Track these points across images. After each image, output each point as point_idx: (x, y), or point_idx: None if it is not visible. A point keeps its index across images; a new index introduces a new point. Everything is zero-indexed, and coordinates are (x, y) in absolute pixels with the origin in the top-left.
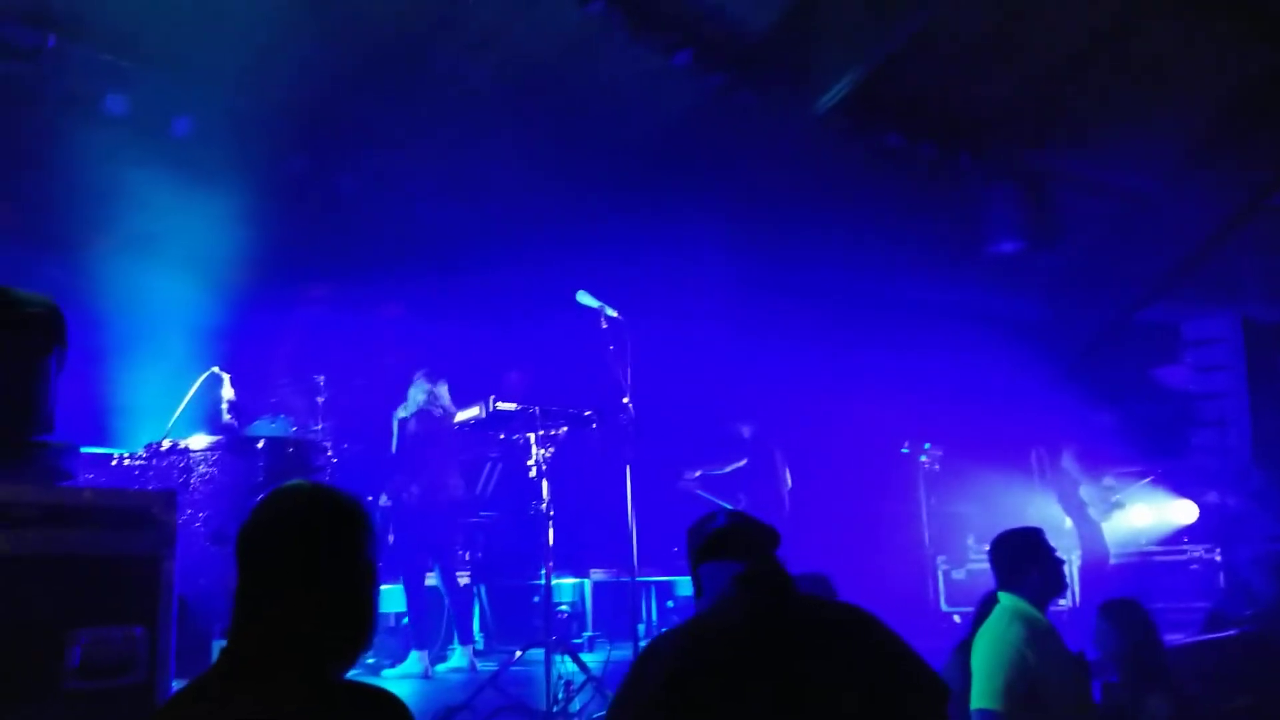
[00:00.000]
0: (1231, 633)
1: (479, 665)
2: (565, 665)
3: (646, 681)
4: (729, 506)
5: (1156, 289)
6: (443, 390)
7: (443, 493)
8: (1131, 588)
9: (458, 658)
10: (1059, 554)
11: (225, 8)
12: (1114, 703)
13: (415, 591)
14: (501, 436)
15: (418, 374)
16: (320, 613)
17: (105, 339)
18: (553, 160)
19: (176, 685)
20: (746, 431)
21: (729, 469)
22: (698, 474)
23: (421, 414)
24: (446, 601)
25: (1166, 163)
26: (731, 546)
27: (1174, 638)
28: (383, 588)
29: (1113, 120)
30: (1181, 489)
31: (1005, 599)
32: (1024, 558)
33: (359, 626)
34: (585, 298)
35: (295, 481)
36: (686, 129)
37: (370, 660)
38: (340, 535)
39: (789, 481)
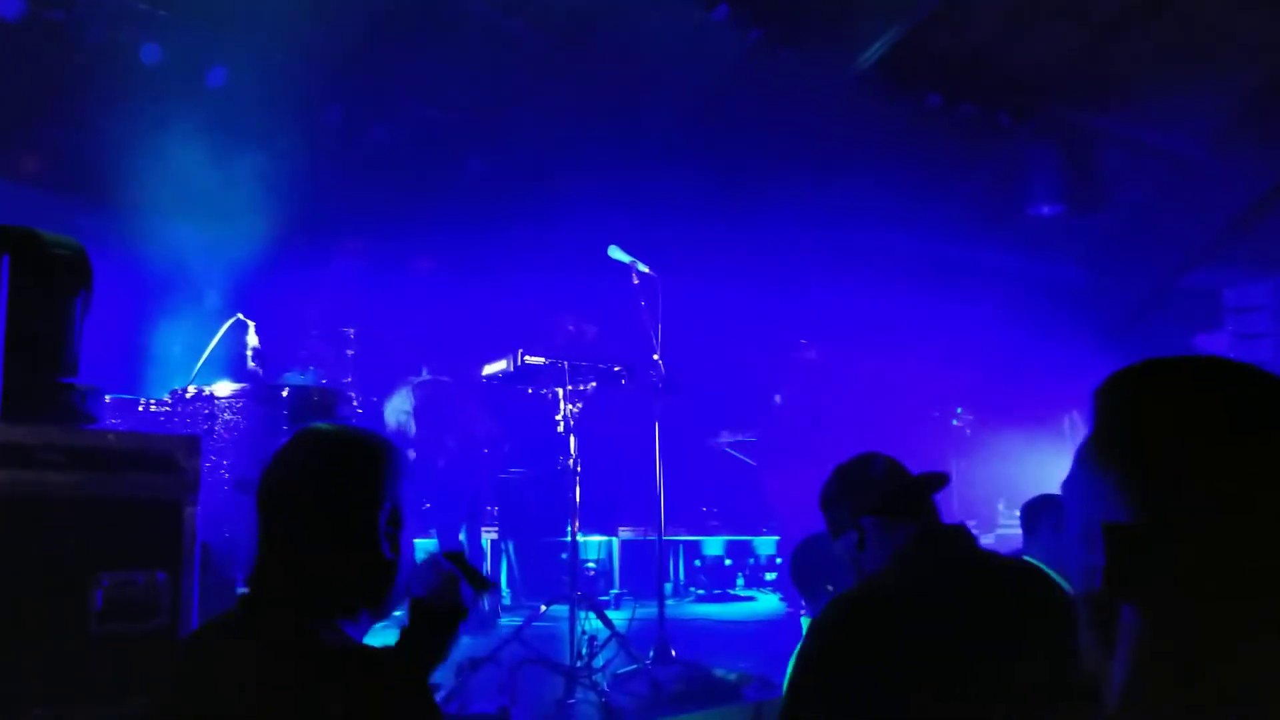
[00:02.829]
0: None
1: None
2: (590, 621)
3: (834, 643)
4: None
5: (1199, 255)
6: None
7: (481, 447)
8: None
9: None
10: None
11: None
12: None
13: (448, 546)
14: (529, 391)
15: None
16: (338, 558)
17: (136, 288)
18: (590, 115)
19: None
20: (778, 397)
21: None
22: (731, 439)
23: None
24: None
25: (1212, 126)
26: (900, 500)
27: None
28: (416, 541)
29: (1157, 82)
30: None
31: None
32: (1054, 523)
33: (378, 571)
34: (617, 252)
35: (317, 424)
36: (725, 85)
37: (399, 613)
38: (359, 478)
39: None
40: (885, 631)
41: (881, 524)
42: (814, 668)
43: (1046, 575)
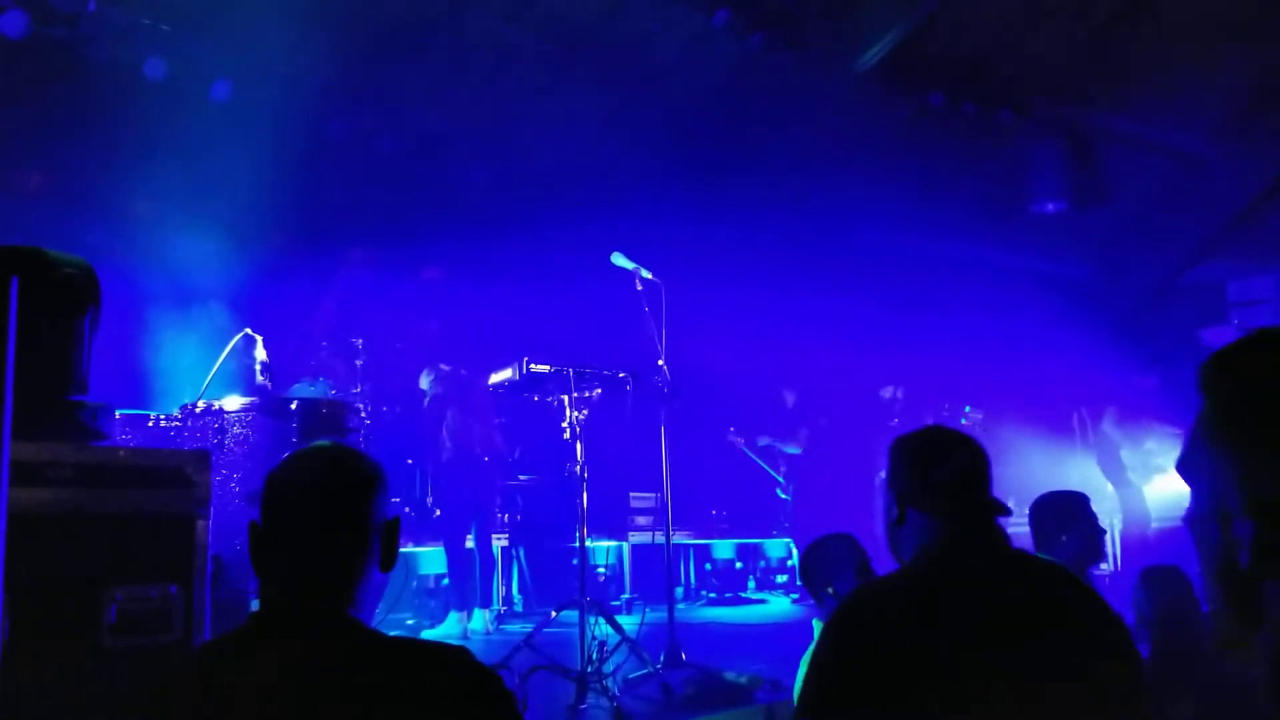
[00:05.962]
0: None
1: (505, 628)
2: (600, 627)
3: (853, 636)
4: (780, 480)
5: (1203, 249)
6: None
7: (480, 453)
8: (1173, 553)
9: (477, 620)
10: (1100, 522)
11: None
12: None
13: (455, 553)
14: (535, 398)
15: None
16: (332, 571)
17: (145, 302)
18: (592, 122)
19: None
20: (790, 399)
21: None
22: (763, 442)
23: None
24: (477, 563)
25: (1214, 121)
26: (946, 496)
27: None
28: (424, 550)
29: (1160, 78)
30: None
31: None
32: (1065, 522)
33: (370, 580)
34: (620, 259)
35: (314, 443)
36: (727, 89)
37: (410, 621)
38: (351, 497)
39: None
40: (895, 629)
41: (919, 515)
42: (823, 665)
43: (1075, 579)
